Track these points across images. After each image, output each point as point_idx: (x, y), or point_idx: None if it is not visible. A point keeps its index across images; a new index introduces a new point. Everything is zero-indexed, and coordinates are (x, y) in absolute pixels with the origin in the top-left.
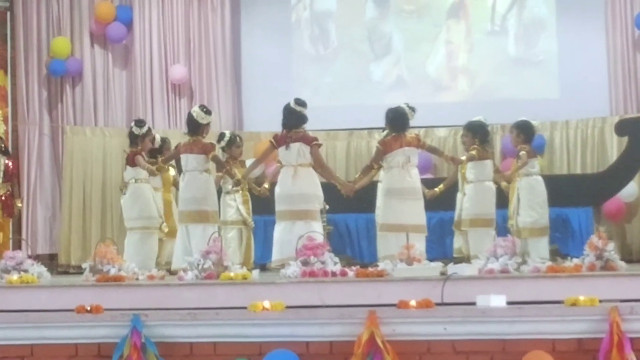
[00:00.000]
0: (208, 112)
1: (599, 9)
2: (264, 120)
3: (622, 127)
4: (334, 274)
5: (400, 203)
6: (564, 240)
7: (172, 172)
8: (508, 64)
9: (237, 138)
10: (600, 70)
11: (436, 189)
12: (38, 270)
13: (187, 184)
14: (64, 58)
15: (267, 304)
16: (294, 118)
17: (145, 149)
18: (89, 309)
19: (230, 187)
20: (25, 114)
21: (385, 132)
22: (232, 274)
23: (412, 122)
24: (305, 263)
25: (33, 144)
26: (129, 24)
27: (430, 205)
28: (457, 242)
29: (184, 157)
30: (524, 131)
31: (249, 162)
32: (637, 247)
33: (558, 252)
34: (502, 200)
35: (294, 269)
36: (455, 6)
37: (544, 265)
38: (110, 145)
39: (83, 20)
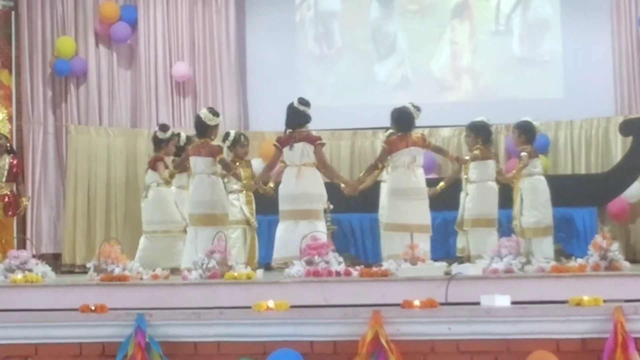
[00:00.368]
0: (216, 114)
1: (603, 9)
2: (268, 120)
3: (627, 127)
4: (338, 273)
5: (405, 203)
6: (568, 240)
7: None
8: (512, 64)
9: (242, 137)
10: (604, 70)
11: (437, 187)
12: (42, 269)
13: (196, 187)
14: (69, 58)
15: (271, 303)
16: (297, 118)
17: (169, 154)
18: (93, 308)
19: (234, 186)
20: (29, 113)
21: (389, 131)
22: (236, 274)
23: (416, 122)
24: (309, 263)
25: (37, 143)
26: (133, 24)
27: (434, 205)
28: (461, 242)
29: (192, 160)
30: (525, 132)
31: (254, 162)
32: None
33: (562, 252)
34: (506, 200)
35: (298, 268)
36: (459, 6)
37: (548, 265)
38: (114, 144)
39: (88, 20)
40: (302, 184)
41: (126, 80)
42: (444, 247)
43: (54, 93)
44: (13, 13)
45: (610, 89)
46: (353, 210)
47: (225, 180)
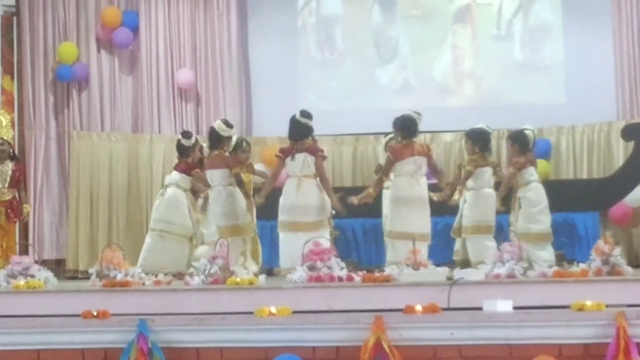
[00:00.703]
0: (230, 125)
1: (605, 13)
2: (271, 126)
3: (629, 132)
4: (340, 279)
5: (408, 211)
6: (570, 245)
7: None
8: (514, 68)
9: (244, 143)
10: (606, 75)
11: (447, 192)
12: (45, 275)
13: (214, 200)
14: (71, 63)
15: (273, 309)
16: (299, 130)
17: (195, 160)
18: (95, 314)
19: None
20: (31, 119)
21: (389, 136)
22: (238, 279)
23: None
24: (311, 268)
25: (39, 149)
26: (135, 29)
27: (436, 210)
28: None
29: (208, 173)
30: (518, 141)
31: (257, 167)
32: None
33: (564, 257)
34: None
35: (300, 274)
36: (461, 11)
37: (550, 270)
38: (116, 150)
39: (89, 26)
40: (302, 196)
41: (128, 85)
42: (446, 252)
43: (56, 98)
44: (15, 18)
45: (612, 94)
46: (355, 215)
47: None
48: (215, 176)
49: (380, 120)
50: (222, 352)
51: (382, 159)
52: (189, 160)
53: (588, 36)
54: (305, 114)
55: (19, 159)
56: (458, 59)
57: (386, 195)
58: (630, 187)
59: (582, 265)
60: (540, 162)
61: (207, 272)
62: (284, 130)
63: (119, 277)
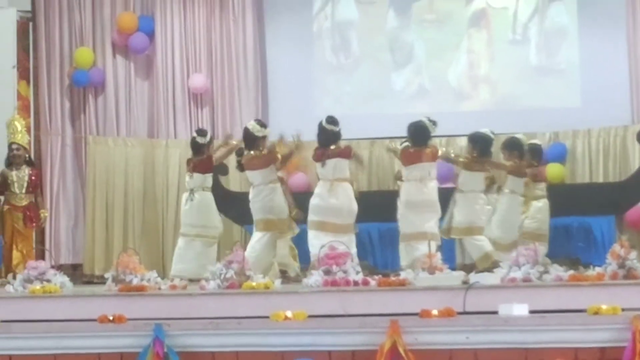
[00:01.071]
0: (264, 125)
1: (620, 17)
2: (286, 130)
3: None
4: (356, 283)
5: (417, 215)
6: (586, 249)
7: None
8: (529, 72)
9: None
10: (622, 79)
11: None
12: (61, 280)
13: (255, 197)
14: (87, 68)
15: (289, 313)
16: (326, 136)
17: (208, 154)
18: (111, 318)
19: None
20: (47, 124)
21: (405, 143)
22: (254, 283)
23: (434, 133)
24: (327, 272)
25: (56, 154)
26: (151, 35)
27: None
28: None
29: (248, 174)
30: (513, 147)
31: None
32: None
33: (579, 262)
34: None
35: (315, 278)
36: (476, 15)
37: (566, 274)
38: (132, 155)
39: (105, 31)
40: (334, 199)
41: (144, 90)
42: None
43: (72, 104)
44: (31, 24)
45: (628, 97)
46: (371, 219)
47: None
48: (255, 176)
49: (395, 124)
50: (238, 357)
51: (397, 164)
52: (203, 157)
53: (603, 40)
54: (331, 121)
55: (35, 164)
56: (473, 64)
57: (399, 200)
58: None
59: (598, 269)
60: (556, 166)
61: (222, 276)
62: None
63: (135, 281)
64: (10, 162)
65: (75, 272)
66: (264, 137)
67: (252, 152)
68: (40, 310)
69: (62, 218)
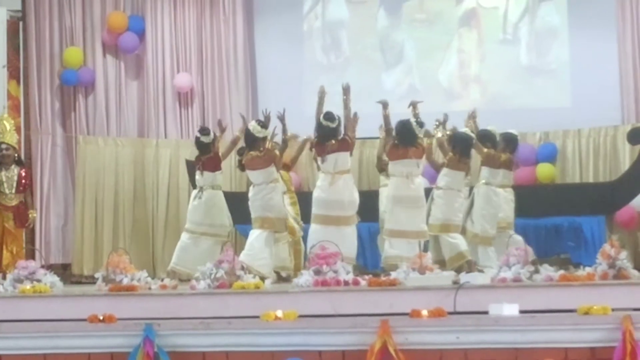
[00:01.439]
0: (264, 125)
1: (610, 17)
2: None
3: (635, 136)
4: (346, 283)
5: (403, 211)
6: (576, 249)
7: None
8: (520, 72)
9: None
10: (612, 79)
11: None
12: (51, 279)
13: (254, 195)
14: (77, 68)
15: (279, 313)
16: (324, 133)
17: (215, 151)
18: (101, 318)
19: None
20: (37, 123)
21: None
22: (244, 283)
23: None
24: (317, 272)
25: (46, 153)
26: (141, 34)
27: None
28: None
29: (250, 174)
30: (485, 140)
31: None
32: None
33: (569, 261)
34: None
35: (306, 278)
36: (467, 15)
37: (556, 274)
38: (122, 155)
39: (95, 30)
40: (336, 191)
41: (134, 90)
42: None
43: (62, 103)
44: (21, 23)
45: (618, 98)
46: (361, 219)
47: None
48: (256, 176)
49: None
50: (228, 356)
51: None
52: (211, 155)
53: (594, 40)
54: (328, 117)
55: (25, 164)
56: (464, 63)
57: (383, 194)
58: (636, 190)
59: (588, 269)
60: (547, 166)
61: (213, 276)
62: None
63: (125, 281)
64: (0, 162)
65: (65, 272)
66: (265, 138)
67: (252, 152)
68: (31, 310)
69: (52, 218)
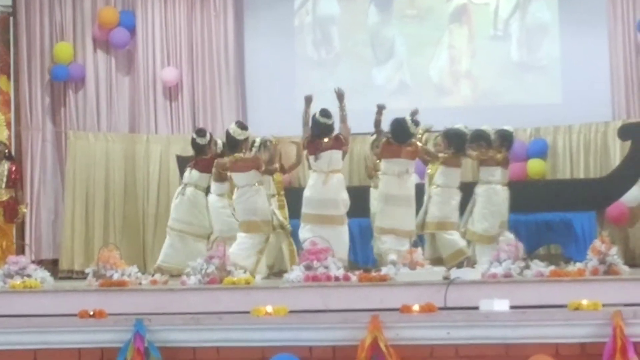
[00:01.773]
0: (244, 127)
1: (601, 13)
2: (267, 125)
3: (625, 132)
4: (337, 278)
5: (395, 209)
6: (567, 245)
7: None
8: (511, 68)
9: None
10: (603, 75)
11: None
12: (41, 275)
13: (238, 198)
14: (67, 63)
15: (270, 308)
16: (320, 129)
17: (212, 155)
18: (92, 313)
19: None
20: (28, 119)
21: (374, 136)
22: (235, 279)
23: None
24: (308, 268)
25: (36, 149)
26: (132, 30)
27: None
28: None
29: (234, 177)
30: (479, 139)
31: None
32: None
33: (561, 256)
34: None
35: (297, 273)
36: (457, 11)
37: (547, 269)
38: (113, 150)
39: (86, 26)
40: (329, 190)
41: (124, 85)
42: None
43: (52, 99)
44: (11, 19)
45: (608, 94)
46: (351, 215)
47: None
48: (240, 179)
49: None
50: (219, 352)
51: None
52: (207, 157)
53: (584, 36)
54: (324, 114)
55: (15, 159)
56: (454, 59)
57: (373, 194)
58: (626, 186)
59: (578, 265)
60: (537, 162)
61: (203, 271)
62: (280, 130)
63: (116, 276)
64: None
65: (55, 267)
66: (246, 139)
67: (235, 155)
68: (21, 305)
69: (42, 213)
